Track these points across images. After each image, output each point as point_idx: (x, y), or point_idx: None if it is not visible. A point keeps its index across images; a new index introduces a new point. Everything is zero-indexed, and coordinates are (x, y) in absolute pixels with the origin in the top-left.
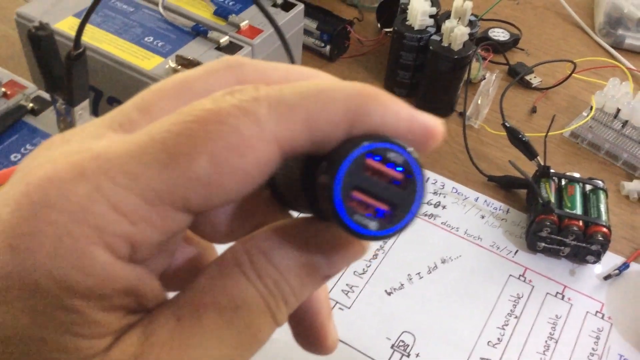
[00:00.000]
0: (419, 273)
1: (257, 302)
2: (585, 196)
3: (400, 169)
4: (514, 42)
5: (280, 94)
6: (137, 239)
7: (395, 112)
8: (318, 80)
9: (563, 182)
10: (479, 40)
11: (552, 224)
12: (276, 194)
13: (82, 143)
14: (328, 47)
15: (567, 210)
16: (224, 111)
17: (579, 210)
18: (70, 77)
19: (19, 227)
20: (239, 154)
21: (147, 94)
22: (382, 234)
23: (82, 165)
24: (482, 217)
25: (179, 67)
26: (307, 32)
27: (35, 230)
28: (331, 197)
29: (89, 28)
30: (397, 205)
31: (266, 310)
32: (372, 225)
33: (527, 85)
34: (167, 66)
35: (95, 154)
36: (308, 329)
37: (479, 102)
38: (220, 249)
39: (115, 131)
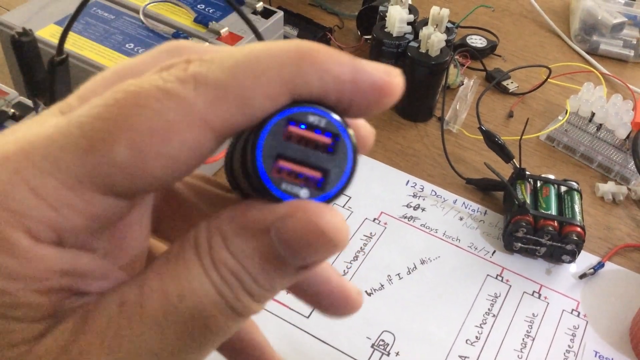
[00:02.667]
0: (398, 274)
1: (208, 292)
2: (560, 197)
3: (327, 133)
4: (491, 48)
5: (208, 71)
6: (61, 224)
7: (336, 74)
8: (249, 48)
9: (538, 183)
10: (457, 46)
11: (528, 225)
12: (232, 182)
13: (21, 131)
14: None
15: (542, 211)
16: (144, 93)
17: (553, 211)
18: (53, 82)
19: None
20: (162, 139)
21: (89, 82)
22: (313, 199)
23: (7, 150)
24: (461, 218)
25: None
26: (288, 39)
27: None
28: (255, 168)
29: (70, 35)
30: (329, 171)
31: (221, 301)
32: (303, 193)
33: (504, 91)
34: None
35: (21, 139)
36: (328, 295)
37: (457, 107)
38: None
39: (55, 116)
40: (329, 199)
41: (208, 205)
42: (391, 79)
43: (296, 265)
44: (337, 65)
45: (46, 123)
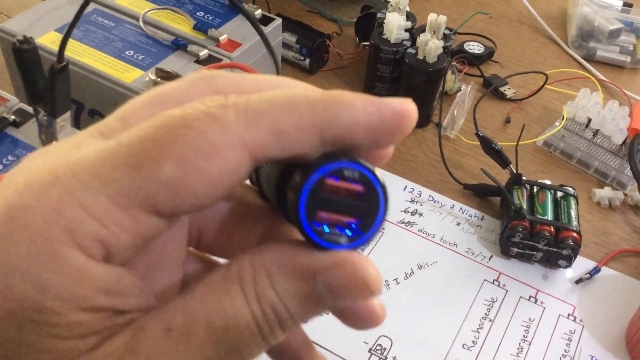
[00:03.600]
0: (396, 279)
1: (249, 324)
2: (556, 202)
3: (359, 182)
4: (488, 54)
5: (247, 101)
6: (110, 241)
7: (362, 108)
8: (286, 88)
9: (535, 189)
10: (455, 53)
11: (524, 230)
12: (265, 199)
13: (65, 151)
14: (308, 61)
15: (539, 216)
16: (190, 116)
17: (550, 216)
18: (53, 90)
19: None
20: (205, 157)
21: (127, 105)
22: (354, 245)
23: (57, 170)
24: (458, 224)
25: (159, 79)
26: (287, 45)
27: (10, 233)
28: (300, 225)
29: (71, 42)
30: (363, 215)
31: (258, 334)
32: (343, 239)
33: (502, 97)
34: (147, 79)
35: (70, 160)
36: (356, 312)
37: (455, 113)
38: None
39: (95, 138)
40: (365, 242)
41: (246, 216)
42: (408, 105)
43: (331, 305)
44: (362, 101)
45: (88, 144)
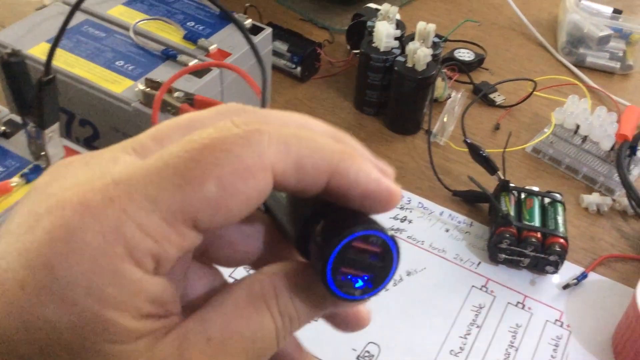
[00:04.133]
0: None
1: (271, 335)
2: (543, 209)
3: (377, 245)
4: (478, 62)
5: (280, 131)
6: (161, 255)
7: (366, 175)
8: (309, 127)
9: (522, 195)
10: (445, 60)
11: (512, 236)
12: (274, 222)
13: (101, 167)
14: (299, 69)
15: (526, 223)
16: (229, 140)
17: (537, 223)
18: (41, 102)
19: (55, 247)
20: (241, 179)
21: (161, 126)
22: (364, 297)
23: (109, 192)
24: (447, 230)
25: (148, 89)
26: (278, 54)
27: (72, 251)
28: (325, 278)
29: (61, 53)
30: (376, 274)
31: (275, 341)
32: (357, 292)
33: (491, 103)
34: (136, 89)
35: (117, 179)
36: (344, 317)
37: (445, 120)
38: None
39: (129, 155)
40: (374, 295)
41: (249, 230)
42: (397, 191)
43: (328, 312)
44: (369, 168)
45: (124, 160)
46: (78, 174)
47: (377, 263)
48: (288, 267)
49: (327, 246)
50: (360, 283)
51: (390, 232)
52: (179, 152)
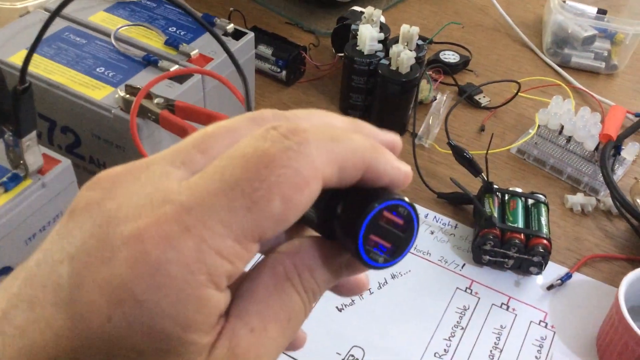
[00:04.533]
0: (369, 289)
1: (301, 311)
2: (527, 210)
3: (402, 216)
4: (464, 63)
5: (321, 136)
6: (233, 273)
7: (391, 164)
8: (340, 128)
9: (506, 197)
10: (430, 62)
11: (495, 238)
12: None
13: (156, 184)
14: (284, 73)
15: (509, 224)
16: (284, 153)
17: (520, 224)
18: (17, 110)
19: (141, 282)
20: (301, 190)
21: (202, 135)
22: (387, 265)
23: (184, 220)
24: (432, 232)
25: (128, 95)
26: (263, 58)
27: (159, 285)
28: (356, 244)
29: (42, 61)
30: (399, 244)
31: (304, 315)
32: (381, 259)
33: (477, 105)
34: (116, 95)
35: (186, 205)
36: (349, 285)
37: (430, 122)
38: None
39: (179, 169)
40: (394, 264)
41: None
42: (410, 171)
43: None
44: (392, 158)
45: (176, 175)
46: (134, 192)
47: (400, 233)
48: (303, 244)
49: (360, 214)
50: (384, 252)
51: (414, 206)
52: (237, 169)
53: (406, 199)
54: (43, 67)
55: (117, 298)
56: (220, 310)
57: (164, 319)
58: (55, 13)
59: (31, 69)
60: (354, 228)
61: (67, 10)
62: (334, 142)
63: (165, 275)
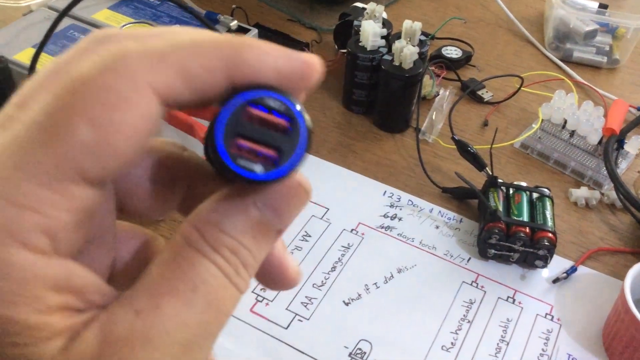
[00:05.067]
0: (375, 283)
1: (215, 275)
2: (531, 204)
3: (283, 116)
4: (466, 59)
5: (147, 44)
6: (51, 225)
7: (272, 55)
8: (191, 33)
9: (511, 190)
10: (433, 58)
11: (500, 231)
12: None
13: None
14: None
15: (514, 218)
16: (90, 74)
17: (525, 218)
18: None
19: None
20: (117, 109)
21: (23, 88)
22: (269, 178)
23: None
24: (437, 227)
25: None
26: None
27: None
28: (214, 144)
29: (48, 59)
30: (283, 150)
31: (226, 281)
32: (258, 168)
33: (480, 100)
34: None
35: None
36: (267, 268)
37: (434, 117)
38: None
39: None
40: (282, 176)
41: (168, 174)
42: (315, 60)
43: (277, 229)
44: (271, 48)
45: None
46: None
47: (283, 137)
48: (208, 202)
49: (217, 109)
50: (264, 159)
51: (294, 99)
52: (39, 107)
53: (281, 90)
54: None
55: None
56: (53, 280)
57: None
58: (64, 12)
59: (38, 67)
60: (209, 133)
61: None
62: (171, 49)
63: None
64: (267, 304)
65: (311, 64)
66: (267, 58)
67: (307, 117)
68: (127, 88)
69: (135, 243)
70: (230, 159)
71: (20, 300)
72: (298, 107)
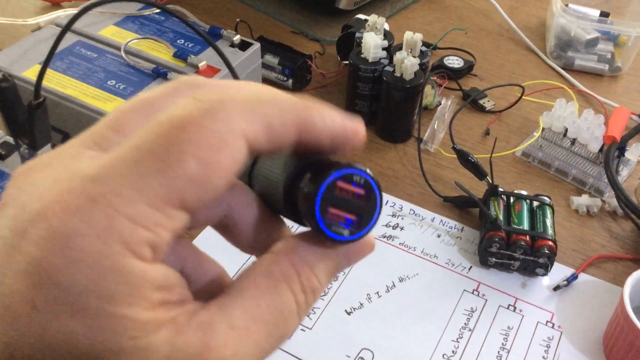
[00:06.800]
0: (377, 292)
1: (293, 314)
2: (532, 212)
3: (361, 187)
4: (468, 68)
5: (240, 96)
6: (155, 241)
7: (332, 120)
8: (269, 88)
9: (511, 199)
10: (435, 68)
11: (501, 240)
12: (264, 201)
13: (66, 167)
14: (290, 81)
15: (515, 226)
16: (198, 115)
17: (525, 226)
18: (32, 124)
19: (53, 261)
20: (218, 150)
21: (117, 114)
22: (353, 238)
23: (90, 191)
24: (438, 236)
25: None
26: (269, 67)
27: (71, 261)
28: (314, 215)
29: (55, 75)
30: (362, 214)
31: (297, 317)
32: (345, 232)
33: (481, 109)
34: None
35: (93, 176)
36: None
37: (435, 126)
38: None
39: (91, 149)
40: (362, 236)
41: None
42: (361, 127)
43: (344, 268)
44: (332, 114)
45: (88, 155)
46: (44, 179)
47: (362, 203)
48: (298, 242)
49: (314, 187)
50: (349, 224)
51: (372, 174)
52: (150, 137)
53: (360, 166)
54: (56, 81)
55: (33, 281)
56: (157, 282)
57: (87, 295)
58: (66, 28)
59: (45, 83)
60: (308, 204)
61: (78, 25)
62: (257, 102)
63: (76, 249)
64: None
65: (359, 131)
66: (328, 121)
67: (380, 186)
68: (225, 132)
69: (207, 267)
70: (326, 226)
71: (135, 301)
72: (375, 181)
